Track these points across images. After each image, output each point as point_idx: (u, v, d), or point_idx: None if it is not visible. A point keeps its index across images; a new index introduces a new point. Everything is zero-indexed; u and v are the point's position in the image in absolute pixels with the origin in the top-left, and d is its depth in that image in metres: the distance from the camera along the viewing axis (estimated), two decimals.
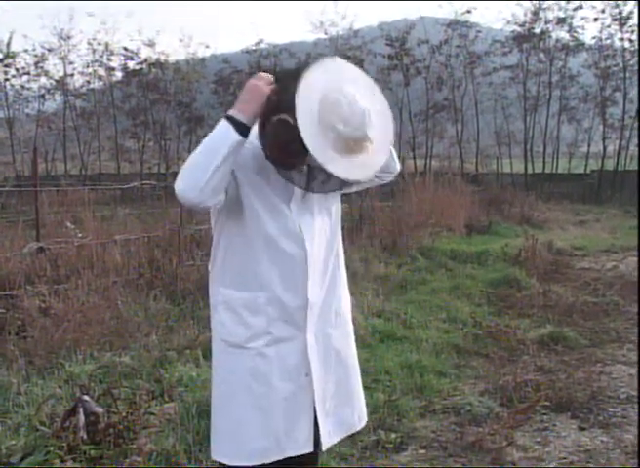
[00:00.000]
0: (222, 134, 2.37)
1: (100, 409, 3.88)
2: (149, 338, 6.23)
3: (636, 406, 5.26)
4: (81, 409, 3.77)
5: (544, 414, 5.13)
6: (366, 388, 5.39)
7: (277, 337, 2.62)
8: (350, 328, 2.94)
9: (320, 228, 2.70)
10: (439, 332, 7.21)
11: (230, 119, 2.37)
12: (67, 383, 5.09)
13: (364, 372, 5.68)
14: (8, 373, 5.32)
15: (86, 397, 3.92)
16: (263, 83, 2.41)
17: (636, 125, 29.49)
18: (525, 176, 31.45)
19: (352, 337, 2.96)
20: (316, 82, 2.33)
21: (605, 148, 31.18)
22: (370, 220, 13.21)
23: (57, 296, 6.72)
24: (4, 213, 15.48)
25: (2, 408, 4.79)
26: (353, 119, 2.31)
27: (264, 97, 2.38)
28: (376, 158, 2.47)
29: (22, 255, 7.88)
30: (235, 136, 2.35)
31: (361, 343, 6.51)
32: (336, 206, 2.83)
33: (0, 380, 5.21)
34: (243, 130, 2.36)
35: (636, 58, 28.84)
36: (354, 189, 2.94)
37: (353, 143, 2.34)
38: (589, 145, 32.65)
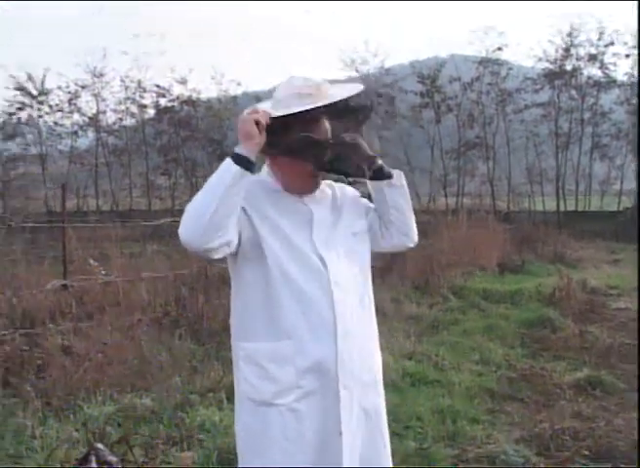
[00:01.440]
0: (223, 168, 2.28)
1: (113, 458, 3.71)
2: (172, 380, 6.03)
3: None
4: (93, 458, 3.60)
5: (584, 465, 4.86)
6: (396, 435, 5.22)
7: (307, 391, 2.43)
8: (381, 387, 2.72)
9: (347, 272, 2.53)
10: (472, 375, 6.96)
11: (232, 155, 2.29)
12: (84, 426, 4.91)
13: (394, 418, 5.50)
14: (24, 415, 5.15)
15: (99, 445, 3.75)
16: (257, 115, 2.31)
17: None
18: (557, 214, 31.05)
19: (383, 398, 2.74)
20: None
21: (638, 185, 30.74)
22: (401, 259, 12.98)
23: (79, 335, 6.58)
24: (34, 248, 15.47)
25: (16, 452, 4.62)
26: (306, 80, 2.54)
27: (257, 128, 2.30)
28: (348, 86, 2.66)
29: (46, 292, 7.76)
30: (235, 168, 2.25)
31: (392, 387, 6.29)
32: (365, 252, 2.69)
33: (15, 423, 5.04)
34: (245, 162, 2.27)
35: None
36: (384, 248, 2.83)
37: (315, 88, 2.50)
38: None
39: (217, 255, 2.31)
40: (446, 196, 33.04)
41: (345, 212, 2.67)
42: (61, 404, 5.44)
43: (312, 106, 2.42)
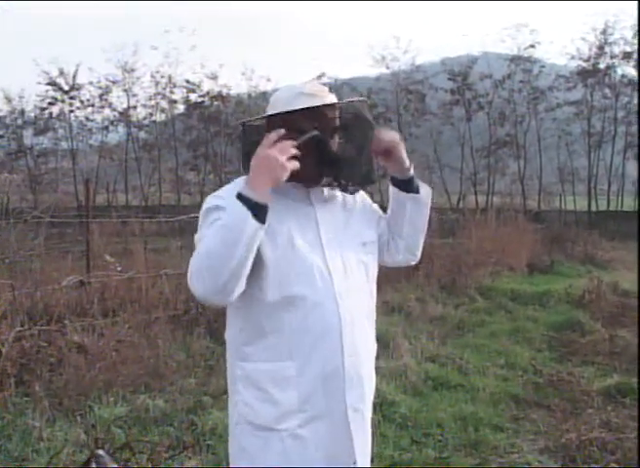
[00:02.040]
0: (238, 222, 2.03)
1: (114, 466, 3.55)
2: (186, 380, 5.88)
3: None
4: (94, 465, 3.45)
5: None
6: (415, 443, 5.04)
7: (313, 415, 2.23)
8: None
9: (354, 286, 2.34)
10: (497, 380, 6.75)
11: (244, 200, 2.04)
12: (93, 428, 4.76)
13: (414, 425, 5.32)
14: (33, 416, 5.01)
15: (100, 451, 3.59)
16: (276, 150, 2.09)
17: None
18: (589, 214, 30.66)
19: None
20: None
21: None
22: (428, 258, 12.76)
23: (96, 332, 6.44)
24: (60, 242, 15.42)
25: (21, 454, 4.48)
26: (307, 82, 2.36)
27: (281, 167, 2.08)
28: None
29: (66, 289, 7.64)
30: (253, 225, 2.03)
31: (412, 391, 6.13)
32: (373, 263, 2.49)
33: (24, 423, 4.90)
34: (259, 212, 2.04)
35: None
36: (385, 262, 2.65)
37: (320, 90, 2.31)
38: None
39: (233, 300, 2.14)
40: (476, 194, 32.80)
41: (356, 219, 2.47)
42: (72, 404, 5.29)
43: (320, 103, 2.25)
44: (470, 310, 10.31)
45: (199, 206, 2.32)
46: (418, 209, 2.53)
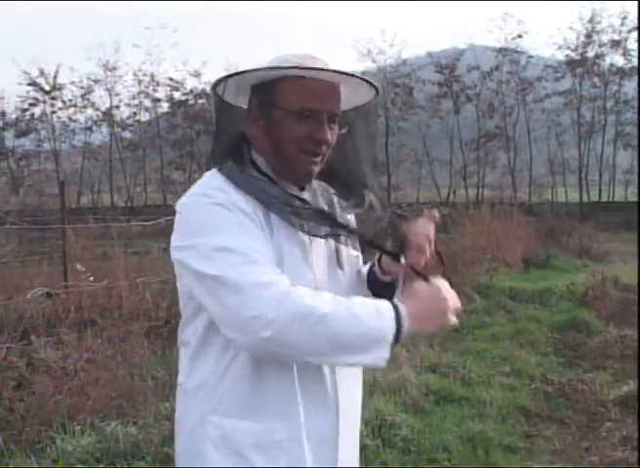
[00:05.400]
0: (373, 339, 1.60)
1: None
2: (164, 404, 5.27)
3: None
4: None
5: None
6: None
7: None
8: None
9: None
10: (503, 391, 6.18)
11: (398, 324, 1.62)
12: (55, 463, 4.18)
13: (417, 449, 4.77)
14: None
15: None
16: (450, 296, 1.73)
17: None
18: (580, 206, 30.28)
19: None
20: None
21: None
22: None
23: (63, 349, 5.85)
24: (43, 246, 14.91)
25: None
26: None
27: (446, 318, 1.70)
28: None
29: (35, 300, 7.03)
30: (385, 353, 1.61)
31: (413, 407, 5.58)
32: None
33: None
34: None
35: None
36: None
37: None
38: None
39: None
40: (466, 188, 32.40)
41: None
42: (33, 435, 4.67)
43: (331, 68, 1.75)
44: (469, 311, 9.75)
45: None
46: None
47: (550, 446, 5.06)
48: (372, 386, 5.61)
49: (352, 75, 1.77)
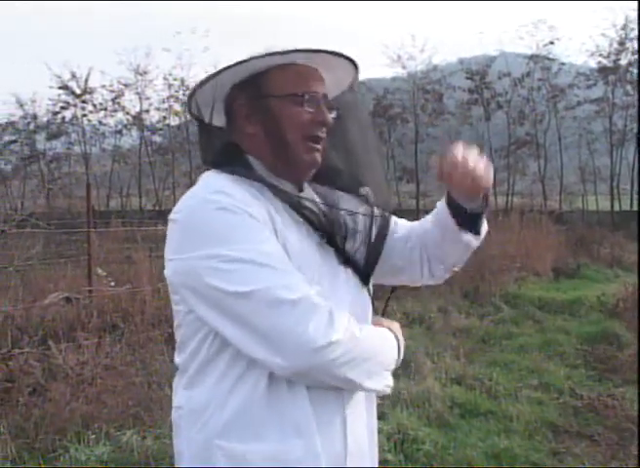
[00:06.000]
0: (388, 365, 1.65)
1: None
2: None
3: None
4: None
5: None
6: None
7: None
8: None
9: None
10: (531, 405, 6.01)
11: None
12: None
13: (440, 465, 4.63)
14: None
15: None
16: None
17: None
18: (612, 215, 29.85)
19: None
20: None
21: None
22: None
23: (82, 355, 5.76)
24: (70, 249, 14.91)
25: None
26: None
27: None
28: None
29: (46, 306, 6.94)
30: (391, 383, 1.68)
31: (437, 421, 5.43)
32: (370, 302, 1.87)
33: None
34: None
35: None
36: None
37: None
38: None
39: None
40: (495, 195, 32.05)
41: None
42: (46, 444, 4.57)
43: (327, 50, 1.69)
44: (496, 321, 9.61)
45: None
46: (465, 250, 1.97)
47: (579, 464, 4.88)
48: (394, 399, 5.49)
49: (331, 52, 1.71)
